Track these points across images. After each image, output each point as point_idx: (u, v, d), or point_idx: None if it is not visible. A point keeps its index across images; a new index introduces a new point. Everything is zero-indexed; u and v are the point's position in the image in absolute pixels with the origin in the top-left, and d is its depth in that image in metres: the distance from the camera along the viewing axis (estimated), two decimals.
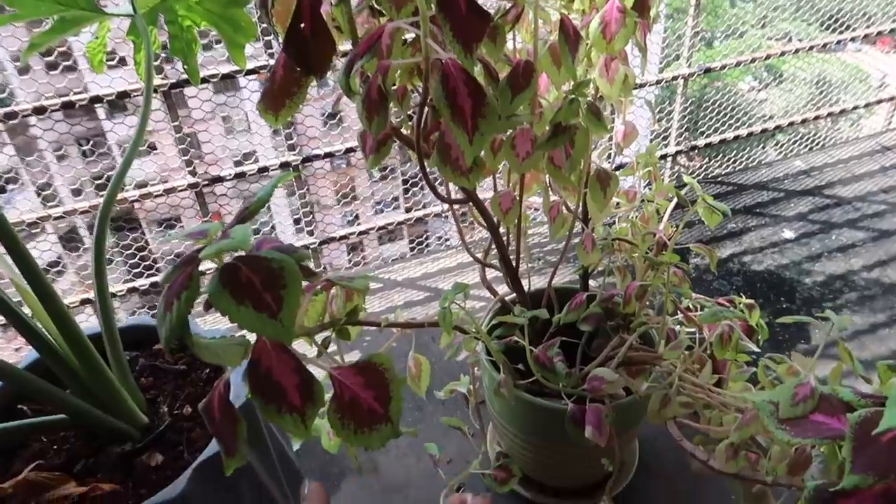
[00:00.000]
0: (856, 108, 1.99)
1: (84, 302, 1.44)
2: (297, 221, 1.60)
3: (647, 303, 0.80)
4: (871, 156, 1.87)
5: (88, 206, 1.32)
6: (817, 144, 2.00)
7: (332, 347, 0.64)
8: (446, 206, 0.87)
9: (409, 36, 0.60)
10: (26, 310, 0.65)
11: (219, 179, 1.38)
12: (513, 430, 0.83)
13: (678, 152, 1.77)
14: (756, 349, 0.75)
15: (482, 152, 0.55)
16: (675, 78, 1.61)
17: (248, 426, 0.65)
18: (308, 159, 1.42)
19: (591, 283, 0.91)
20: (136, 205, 1.39)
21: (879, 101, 2.05)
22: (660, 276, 0.72)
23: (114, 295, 1.46)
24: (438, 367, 1.16)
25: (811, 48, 1.81)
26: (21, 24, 1.19)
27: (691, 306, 0.83)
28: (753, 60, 1.67)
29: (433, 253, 1.58)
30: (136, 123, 0.78)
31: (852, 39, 1.89)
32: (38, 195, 1.61)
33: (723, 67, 1.65)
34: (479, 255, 0.87)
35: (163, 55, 1.25)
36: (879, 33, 1.92)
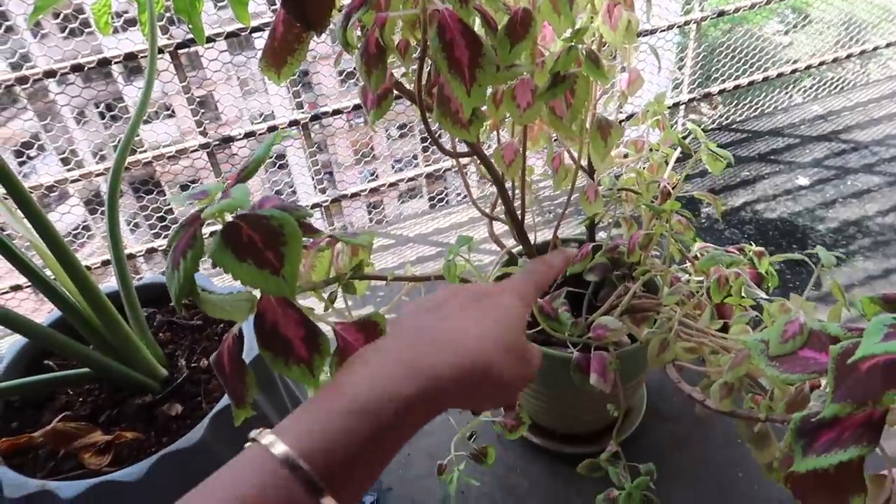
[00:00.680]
0: (877, 48, 1.94)
1: (106, 263, 1.47)
2: (319, 181, 1.61)
3: (655, 252, 0.81)
4: (891, 97, 1.82)
5: (103, 169, 1.33)
6: (842, 88, 1.95)
7: (341, 304, 0.65)
8: (456, 161, 0.87)
9: None
10: (48, 272, 0.67)
11: (229, 140, 1.39)
12: None
13: (691, 100, 1.74)
14: (764, 296, 0.76)
15: (484, 105, 0.55)
16: (687, 23, 1.57)
17: (261, 376, 0.68)
18: (317, 117, 1.42)
19: (602, 234, 0.91)
20: (159, 168, 1.40)
21: None
22: (662, 225, 0.72)
23: (134, 255, 1.49)
24: None
25: None
26: None
27: (699, 255, 0.83)
28: (769, 1, 1.62)
29: (445, 209, 1.59)
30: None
31: None
32: (63, 162, 1.63)
33: (736, 10, 1.61)
34: (487, 210, 0.88)
35: (169, 15, 1.24)
36: None
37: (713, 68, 1.88)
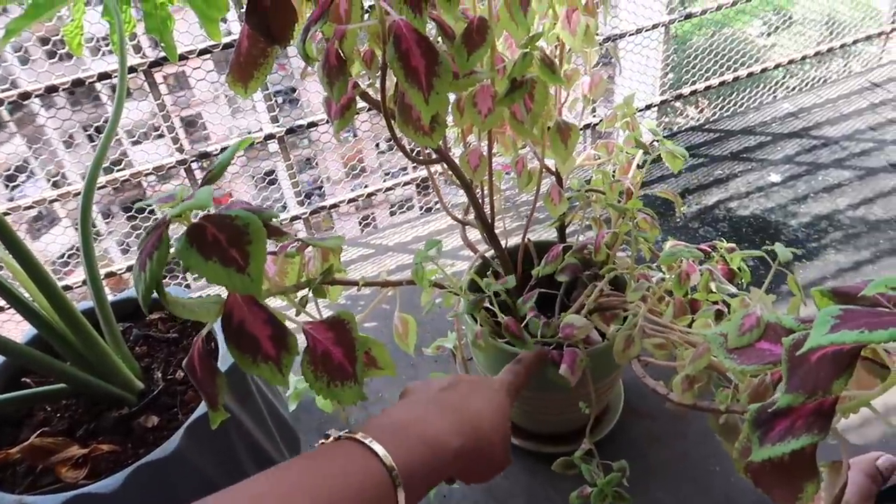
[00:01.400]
0: (856, 41, 1.98)
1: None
2: (306, 195, 1.62)
3: (627, 252, 0.82)
4: (861, 93, 1.86)
5: (77, 190, 1.34)
6: (812, 86, 1.98)
7: (313, 309, 0.66)
8: (433, 168, 0.89)
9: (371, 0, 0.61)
10: (24, 292, 0.68)
11: (205, 155, 1.40)
12: None
13: (663, 102, 1.76)
14: (736, 291, 0.77)
15: (448, 113, 0.57)
16: (655, 26, 1.60)
17: (235, 383, 0.68)
18: (292, 130, 1.43)
19: (582, 238, 0.93)
20: (149, 190, 1.41)
21: (881, 34, 2.02)
22: (627, 223, 0.74)
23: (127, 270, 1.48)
24: (431, 326, 1.19)
25: None
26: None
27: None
28: (735, 3, 1.66)
29: (424, 217, 1.60)
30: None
31: None
32: (54, 185, 1.64)
33: (703, 12, 1.64)
34: (460, 216, 0.89)
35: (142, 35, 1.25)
36: None
37: (691, 70, 1.90)
